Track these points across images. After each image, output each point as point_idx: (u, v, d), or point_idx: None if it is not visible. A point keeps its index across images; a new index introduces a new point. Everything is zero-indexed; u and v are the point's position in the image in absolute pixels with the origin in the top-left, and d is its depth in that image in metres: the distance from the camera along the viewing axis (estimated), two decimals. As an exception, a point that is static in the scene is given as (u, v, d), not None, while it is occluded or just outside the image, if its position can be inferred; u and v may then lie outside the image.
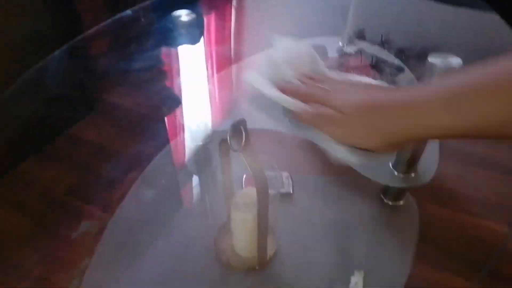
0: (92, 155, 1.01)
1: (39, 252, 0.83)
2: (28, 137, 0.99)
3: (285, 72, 0.44)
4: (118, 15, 0.70)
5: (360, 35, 1.01)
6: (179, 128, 0.89)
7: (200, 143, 0.68)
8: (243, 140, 0.37)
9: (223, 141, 0.43)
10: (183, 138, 0.78)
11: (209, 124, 0.69)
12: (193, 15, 0.55)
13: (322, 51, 0.72)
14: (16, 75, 1.01)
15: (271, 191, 0.39)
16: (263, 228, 0.41)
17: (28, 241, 0.86)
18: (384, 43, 1.01)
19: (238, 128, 0.38)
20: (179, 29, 0.54)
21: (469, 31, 1.11)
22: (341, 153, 0.38)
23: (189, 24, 0.54)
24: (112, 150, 1.03)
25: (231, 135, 0.38)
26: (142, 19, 0.88)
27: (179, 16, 0.54)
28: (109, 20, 0.69)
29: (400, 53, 0.99)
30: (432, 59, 0.42)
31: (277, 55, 0.45)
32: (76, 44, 0.65)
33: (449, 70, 0.41)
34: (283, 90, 0.43)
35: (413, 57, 1.01)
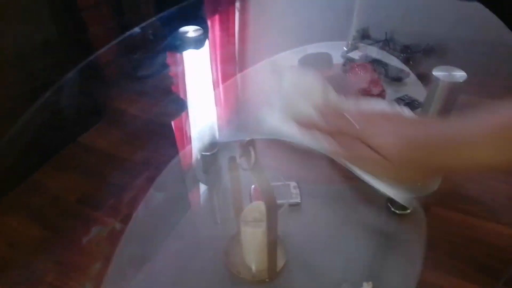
0: (102, 163, 1.04)
1: (53, 258, 0.85)
2: (41, 147, 1.02)
3: (301, 106, 0.41)
4: (127, 33, 0.72)
5: (365, 34, 1.01)
6: (186, 135, 0.91)
7: (208, 153, 0.70)
8: (252, 160, 0.38)
9: (232, 158, 0.44)
10: (191, 147, 0.79)
11: (216, 133, 0.70)
12: (200, 31, 0.56)
13: (326, 59, 0.72)
14: (25, 83, 1.03)
15: (279, 202, 0.40)
16: (272, 242, 0.42)
17: (42, 247, 0.88)
18: (389, 41, 1.01)
19: (247, 148, 0.39)
20: (187, 45, 0.55)
21: (472, 25, 1.10)
22: (388, 192, 0.37)
23: (196, 40, 0.55)
24: (120, 157, 1.05)
25: (241, 154, 0.39)
26: (151, 37, 0.89)
27: (186, 32, 0.55)
28: (118, 39, 0.70)
29: (405, 49, 0.99)
30: (437, 72, 0.43)
31: (288, 89, 0.43)
32: (87, 65, 0.67)
33: (453, 84, 0.42)
34: (304, 125, 0.40)
35: (419, 53, 1.01)
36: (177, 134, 0.96)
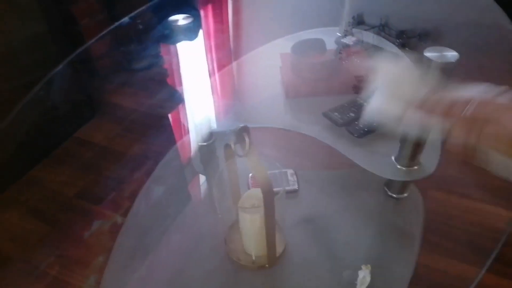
0: (99, 157, 1.04)
1: (55, 253, 0.86)
2: (38, 142, 1.01)
3: (411, 91, 0.40)
4: (117, 23, 0.71)
5: (360, 20, 1.00)
6: (183, 126, 0.90)
7: (204, 143, 0.70)
8: (247, 146, 0.38)
9: (227, 145, 0.44)
10: (188, 138, 0.79)
11: (212, 123, 0.70)
12: (190, 19, 0.55)
13: (320, 45, 0.72)
14: (16, 77, 1.02)
15: (277, 189, 0.40)
16: (270, 229, 0.43)
17: (43, 242, 0.89)
18: (384, 27, 1.00)
19: (241, 135, 0.39)
20: (177, 34, 0.55)
21: (466, 8, 1.10)
22: None
23: (186, 29, 0.54)
24: (117, 150, 1.05)
25: (235, 141, 0.39)
26: (140, 26, 0.88)
27: (176, 21, 0.54)
28: (108, 29, 0.69)
29: (400, 35, 0.98)
30: (428, 53, 0.42)
31: (391, 75, 0.41)
32: (77, 57, 0.66)
33: (445, 65, 0.42)
34: (422, 109, 0.38)
35: (414, 38, 1.00)
36: (173, 125, 0.96)
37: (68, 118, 1.05)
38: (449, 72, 0.42)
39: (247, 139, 0.38)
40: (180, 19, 0.55)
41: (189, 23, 0.55)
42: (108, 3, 1.32)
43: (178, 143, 0.80)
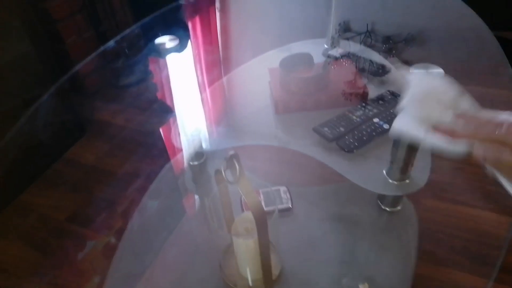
0: (89, 178, 1.02)
1: (47, 278, 0.84)
2: (26, 166, 0.99)
3: (436, 111, 0.39)
4: (102, 48, 0.70)
5: (346, 27, 1.01)
6: (173, 144, 0.90)
7: (195, 162, 0.69)
8: (237, 173, 0.38)
9: (218, 171, 0.43)
10: (179, 157, 0.79)
11: (203, 142, 0.69)
12: (176, 40, 0.55)
13: (307, 59, 0.72)
14: (3, 99, 1.00)
15: (269, 208, 0.40)
16: (265, 253, 0.42)
17: (35, 269, 0.87)
18: (370, 33, 1.01)
19: (232, 161, 0.38)
20: (164, 56, 0.54)
21: (447, 14, 1.12)
22: None
23: (173, 50, 0.54)
24: (107, 170, 1.04)
25: (225, 167, 0.39)
26: (126, 50, 0.87)
27: (163, 44, 0.54)
28: (93, 54, 0.69)
29: (387, 40, 0.99)
30: (415, 70, 0.43)
31: (420, 93, 0.41)
32: (64, 84, 0.65)
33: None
34: (443, 132, 0.38)
35: (400, 43, 1.02)
36: (164, 142, 0.95)
37: (56, 139, 1.03)
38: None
39: (237, 166, 0.38)
40: (167, 41, 0.55)
41: (175, 45, 0.54)
42: (94, 21, 1.31)
43: (170, 162, 0.79)
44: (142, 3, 1.58)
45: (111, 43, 0.69)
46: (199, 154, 0.69)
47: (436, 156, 0.60)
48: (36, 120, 0.78)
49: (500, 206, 0.76)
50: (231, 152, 0.38)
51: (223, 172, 0.40)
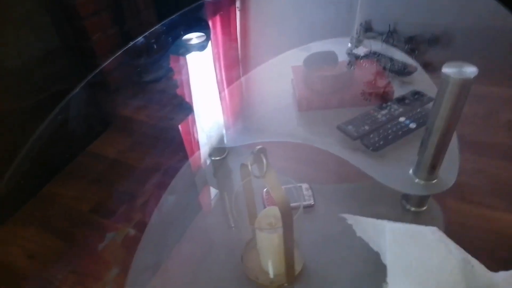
0: (111, 171, 1.05)
1: (70, 267, 0.87)
2: (51, 158, 1.03)
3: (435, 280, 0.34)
4: (131, 43, 0.71)
5: (368, 27, 1.00)
6: (194, 140, 0.91)
7: (217, 157, 0.70)
8: (265, 168, 0.38)
9: (243, 165, 0.44)
10: (200, 152, 0.80)
11: (224, 138, 0.70)
12: (204, 37, 0.55)
13: (332, 57, 0.72)
14: (30, 94, 1.04)
15: (293, 205, 0.40)
16: (289, 248, 0.42)
17: (58, 257, 0.90)
18: (392, 33, 1.00)
19: (259, 156, 0.38)
20: (190, 53, 0.55)
21: (475, 12, 1.09)
22: None
23: (200, 47, 0.55)
24: (130, 164, 1.06)
25: (252, 162, 0.39)
26: (155, 46, 0.89)
27: (190, 39, 0.55)
28: (121, 51, 0.70)
29: (410, 40, 0.98)
30: (447, 69, 0.42)
31: (407, 264, 0.36)
32: (94, 79, 0.67)
33: (464, 81, 0.41)
34: None
35: (423, 43, 1.00)
36: (185, 138, 0.97)
37: (81, 133, 1.06)
38: (468, 88, 0.42)
39: (265, 161, 0.38)
40: (194, 38, 0.55)
41: (203, 41, 0.55)
42: (118, 18, 1.34)
43: (191, 158, 0.80)
44: (166, 4, 1.61)
45: (140, 39, 0.71)
46: (220, 150, 0.70)
47: (460, 157, 0.58)
48: (64, 114, 0.81)
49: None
50: (259, 146, 0.38)
51: (249, 166, 0.40)
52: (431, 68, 0.90)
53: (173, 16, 0.75)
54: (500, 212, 0.75)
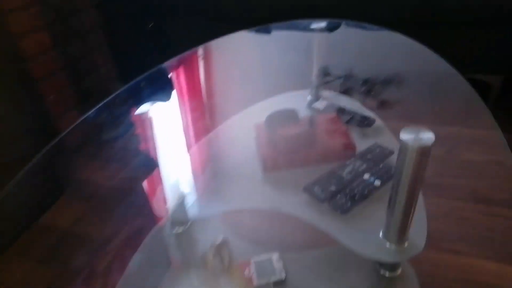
0: (66, 245, 0.95)
1: None
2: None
3: None
4: (83, 117, 0.68)
5: (325, 72, 1.04)
6: (156, 204, 0.85)
7: (179, 230, 0.65)
8: (226, 263, 0.34)
9: (204, 257, 0.40)
10: (163, 220, 0.74)
11: (186, 209, 0.66)
12: (161, 108, 0.53)
13: (292, 115, 0.72)
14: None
15: (262, 281, 0.36)
16: None
17: None
18: (348, 77, 1.05)
19: (221, 249, 0.35)
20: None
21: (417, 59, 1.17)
22: None
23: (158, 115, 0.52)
24: (87, 234, 0.97)
25: (214, 254, 0.36)
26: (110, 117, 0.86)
27: (147, 112, 0.52)
28: (76, 123, 0.66)
29: (365, 82, 1.03)
30: (404, 136, 0.42)
31: None
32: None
33: (422, 149, 0.41)
34: None
35: (378, 84, 1.06)
36: (147, 200, 0.91)
37: (31, 204, 0.97)
38: (427, 155, 0.42)
39: (226, 255, 0.34)
40: (150, 109, 0.53)
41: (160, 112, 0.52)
42: (75, 77, 1.30)
43: (153, 228, 0.74)
44: (125, 57, 1.60)
45: (91, 114, 0.67)
46: (183, 220, 0.65)
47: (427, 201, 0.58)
48: (10, 188, 0.73)
49: (493, 252, 0.74)
50: (219, 240, 0.35)
51: (210, 259, 0.36)
52: (388, 105, 0.94)
53: (133, 82, 0.73)
54: (471, 258, 0.75)
